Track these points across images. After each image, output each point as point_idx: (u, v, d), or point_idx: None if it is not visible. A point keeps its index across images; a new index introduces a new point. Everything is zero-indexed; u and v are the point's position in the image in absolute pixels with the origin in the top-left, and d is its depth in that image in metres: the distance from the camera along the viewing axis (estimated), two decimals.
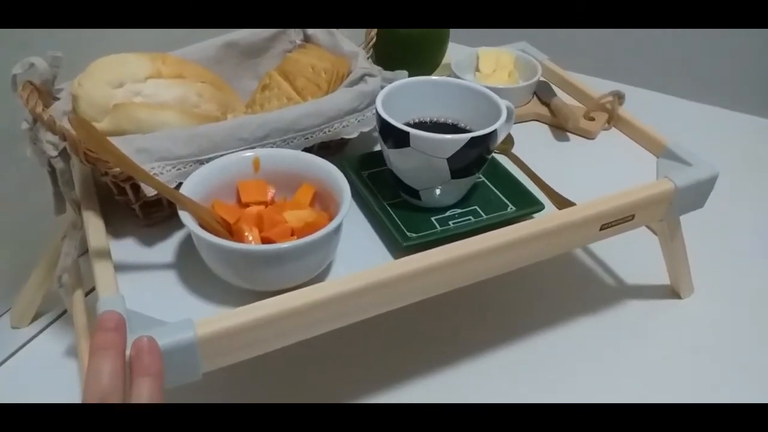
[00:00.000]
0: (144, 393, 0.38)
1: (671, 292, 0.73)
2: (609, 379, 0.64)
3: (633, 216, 0.57)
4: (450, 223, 0.55)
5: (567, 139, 0.69)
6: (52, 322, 0.69)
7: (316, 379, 0.63)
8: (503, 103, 0.55)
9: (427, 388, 0.62)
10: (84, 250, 0.51)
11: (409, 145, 0.51)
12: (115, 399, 0.36)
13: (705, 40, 1.09)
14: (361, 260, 0.51)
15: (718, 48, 1.09)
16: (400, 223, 0.54)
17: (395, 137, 0.52)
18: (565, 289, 0.74)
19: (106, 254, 0.48)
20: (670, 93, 1.12)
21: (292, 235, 0.47)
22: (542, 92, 0.73)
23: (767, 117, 1.09)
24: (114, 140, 0.48)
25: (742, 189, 0.90)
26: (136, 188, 0.49)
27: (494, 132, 0.52)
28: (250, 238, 0.46)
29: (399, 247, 0.51)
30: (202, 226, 0.46)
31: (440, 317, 0.69)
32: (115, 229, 0.52)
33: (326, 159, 0.52)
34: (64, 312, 0.69)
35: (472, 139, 0.51)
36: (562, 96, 0.74)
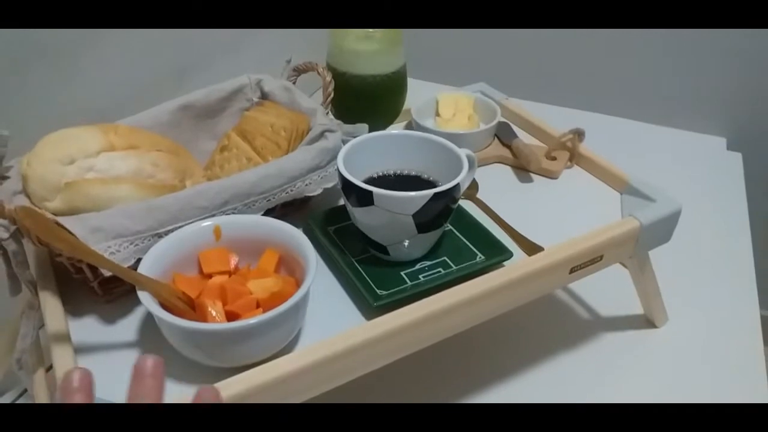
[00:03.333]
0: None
1: (646, 322, 0.73)
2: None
3: (601, 257, 0.57)
4: (420, 276, 0.54)
5: (530, 180, 0.69)
6: (13, 402, 0.65)
7: None
8: (463, 153, 0.54)
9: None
10: (43, 324, 0.49)
11: (373, 204, 0.51)
12: None
13: (656, 61, 1.12)
14: (331, 323, 0.50)
15: (669, 70, 1.12)
16: (369, 281, 0.53)
17: (359, 196, 0.51)
18: (540, 325, 0.74)
19: (65, 337, 0.46)
20: (628, 117, 1.14)
21: (258, 306, 0.46)
22: (503, 134, 0.73)
23: (722, 135, 1.12)
24: (67, 220, 0.46)
25: (705, 210, 0.91)
26: (93, 267, 0.47)
27: (457, 185, 0.51)
28: (214, 313, 0.45)
29: (370, 307, 0.50)
30: (163, 304, 0.44)
31: (416, 358, 0.68)
32: (74, 308, 0.50)
33: (290, 216, 0.51)
34: (26, 390, 0.66)
35: (436, 194, 0.50)
36: (523, 136, 0.74)
